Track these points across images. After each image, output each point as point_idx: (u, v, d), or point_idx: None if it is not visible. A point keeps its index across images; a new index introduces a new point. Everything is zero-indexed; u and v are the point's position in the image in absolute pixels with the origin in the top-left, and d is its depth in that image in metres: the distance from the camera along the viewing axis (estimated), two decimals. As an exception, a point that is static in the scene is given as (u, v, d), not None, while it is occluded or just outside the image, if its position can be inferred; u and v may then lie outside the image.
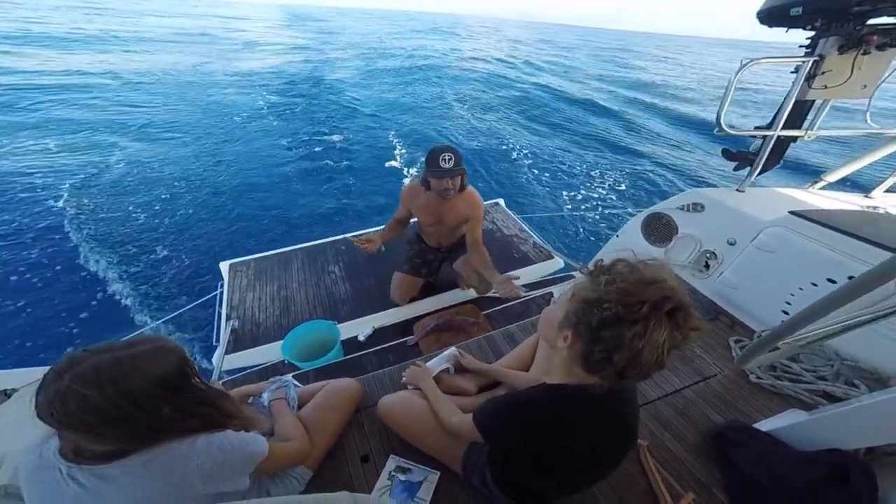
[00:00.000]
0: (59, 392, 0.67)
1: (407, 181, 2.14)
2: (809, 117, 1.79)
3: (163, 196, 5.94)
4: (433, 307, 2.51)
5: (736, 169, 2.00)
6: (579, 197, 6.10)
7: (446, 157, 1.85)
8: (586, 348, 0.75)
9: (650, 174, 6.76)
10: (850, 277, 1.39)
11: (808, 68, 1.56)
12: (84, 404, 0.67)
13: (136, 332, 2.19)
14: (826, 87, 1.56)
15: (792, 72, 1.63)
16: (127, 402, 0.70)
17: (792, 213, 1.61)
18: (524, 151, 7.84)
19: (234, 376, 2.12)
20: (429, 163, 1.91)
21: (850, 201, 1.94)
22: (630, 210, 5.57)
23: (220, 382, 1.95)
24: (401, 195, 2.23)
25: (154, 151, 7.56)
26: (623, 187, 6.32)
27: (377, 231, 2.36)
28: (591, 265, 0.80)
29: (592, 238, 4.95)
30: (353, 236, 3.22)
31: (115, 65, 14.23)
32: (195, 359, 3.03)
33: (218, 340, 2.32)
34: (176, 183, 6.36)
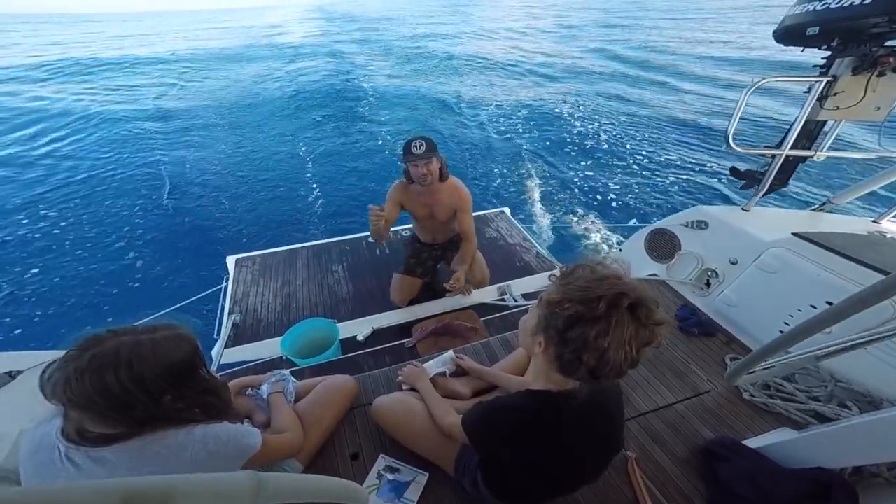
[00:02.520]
0: (77, 370, 0.69)
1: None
2: (821, 138, 1.77)
3: (182, 189, 6.06)
4: (432, 311, 2.52)
5: (743, 188, 1.99)
6: (585, 208, 6.04)
7: (417, 144, 1.92)
8: (557, 351, 0.78)
9: (658, 188, 6.67)
10: None
11: (820, 88, 1.54)
12: (99, 384, 0.69)
13: (145, 319, 2.23)
14: (838, 107, 1.54)
15: (805, 91, 1.61)
16: (135, 387, 0.72)
17: (795, 234, 1.60)
18: (532, 160, 7.80)
19: (231, 370, 2.16)
20: (404, 153, 1.97)
21: (855, 225, 1.92)
22: (635, 224, 5.51)
23: (218, 375, 1.99)
24: (388, 194, 2.25)
25: (177, 146, 7.70)
26: (629, 201, 6.25)
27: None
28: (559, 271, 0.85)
29: (597, 251, 4.92)
30: (359, 237, 3.25)
31: (150, 62, 14.64)
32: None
33: (219, 333, 2.36)
34: (196, 177, 6.48)
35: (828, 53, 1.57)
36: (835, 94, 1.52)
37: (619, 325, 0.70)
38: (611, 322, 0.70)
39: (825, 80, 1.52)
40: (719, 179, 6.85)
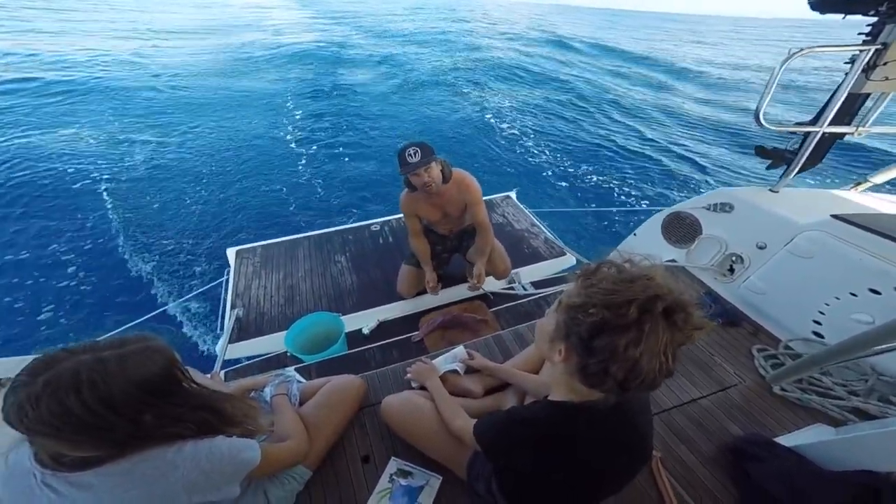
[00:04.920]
0: (30, 396, 0.61)
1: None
2: (861, 113, 1.63)
3: (178, 181, 5.91)
4: (440, 302, 2.44)
5: (769, 168, 1.87)
6: (597, 192, 5.85)
7: (412, 152, 1.81)
8: (581, 361, 0.70)
9: (674, 169, 6.45)
10: None
11: (866, 58, 1.41)
12: (59, 410, 0.61)
13: (143, 318, 2.16)
14: (887, 78, 1.41)
15: (846, 62, 1.47)
16: (105, 409, 0.64)
17: (834, 216, 1.49)
18: (540, 141, 7.58)
19: (236, 366, 2.10)
20: (400, 164, 1.86)
21: None
22: (651, 207, 5.35)
23: (223, 372, 1.93)
24: (402, 210, 2.18)
25: (170, 137, 7.52)
26: (644, 183, 6.05)
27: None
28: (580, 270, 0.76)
29: (609, 236, 4.78)
30: (361, 226, 3.18)
31: (140, 53, 14.16)
32: (199, 347, 3.02)
33: (222, 329, 2.29)
34: (191, 167, 6.34)
35: (874, 19, 1.43)
36: (884, 64, 1.39)
37: (653, 333, 0.61)
38: (643, 329, 0.61)
39: (873, 48, 1.39)
40: (738, 161, 6.65)
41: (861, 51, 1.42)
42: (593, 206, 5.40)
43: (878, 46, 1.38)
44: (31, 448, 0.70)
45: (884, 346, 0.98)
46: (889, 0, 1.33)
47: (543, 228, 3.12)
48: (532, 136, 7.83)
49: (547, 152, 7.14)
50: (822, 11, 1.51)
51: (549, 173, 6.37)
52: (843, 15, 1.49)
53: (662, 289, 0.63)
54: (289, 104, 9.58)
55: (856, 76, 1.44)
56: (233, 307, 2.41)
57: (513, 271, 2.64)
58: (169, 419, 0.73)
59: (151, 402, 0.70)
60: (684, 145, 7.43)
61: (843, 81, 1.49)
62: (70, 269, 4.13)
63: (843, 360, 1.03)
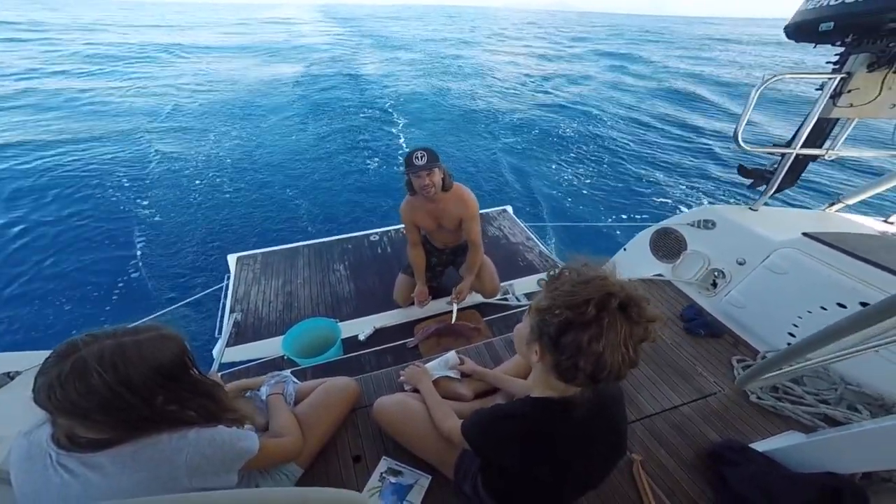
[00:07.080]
0: (60, 376, 0.66)
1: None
2: (832, 136, 1.73)
3: (183, 187, 6.03)
4: (435, 311, 2.50)
5: (751, 187, 1.95)
6: (590, 207, 5.98)
7: (419, 155, 1.89)
8: (554, 359, 0.76)
9: (663, 187, 6.59)
10: (863, 303, 1.37)
11: (833, 85, 1.51)
12: (84, 389, 0.67)
13: (142, 320, 2.20)
14: (852, 105, 1.50)
15: (817, 88, 1.57)
16: (125, 389, 0.70)
17: (805, 235, 1.57)
18: (535, 158, 7.74)
19: (232, 369, 2.14)
20: (406, 164, 1.94)
21: (867, 225, 1.89)
22: (640, 223, 5.45)
23: (220, 375, 1.97)
24: (402, 216, 2.24)
25: (181, 143, 7.66)
26: (633, 199, 6.18)
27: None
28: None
29: (601, 251, 4.87)
30: (360, 235, 3.25)
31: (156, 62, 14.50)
32: (197, 350, 3.04)
33: (220, 332, 2.34)
34: (199, 174, 6.45)
35: (841, 49, 1.53)
36: (849, 92, 1.48)
37: (612, 327, 0.68)
38: (602, 325, 0.68)
39: (839, 76, 1.49)
40: (724, 179, 6.79)
41: (829, 78, 1.52)
42: (586, 221, 5.51)
43: (844, 75, 1.48)
44: (49, 430, 0.75)
45: (840, 352, 1.05)
46: (853, 32, 1.44)
47: (538, 242, 3.19)
48: (528, 152, 7.99)
49: (542, 169, 7.29)
50: (797, 40, 1.62)
51: (545, 189, 6.50)
52: (814, 44, 1.60)
53: (615, 286, 0.70)
54: (298, 116, 9.72)
55: (824, 102, 1.54)
56: (231, 311, 2.47)
57: (507, 283, 2.71)
58: (177, 403, 0.78)
59: (164, 384, 0.75)
60: (674, 162, 7.59)
61: (813, 107, 1.59)
62: (71, 270, 4.18)
63: (797, 361, 1.09)
